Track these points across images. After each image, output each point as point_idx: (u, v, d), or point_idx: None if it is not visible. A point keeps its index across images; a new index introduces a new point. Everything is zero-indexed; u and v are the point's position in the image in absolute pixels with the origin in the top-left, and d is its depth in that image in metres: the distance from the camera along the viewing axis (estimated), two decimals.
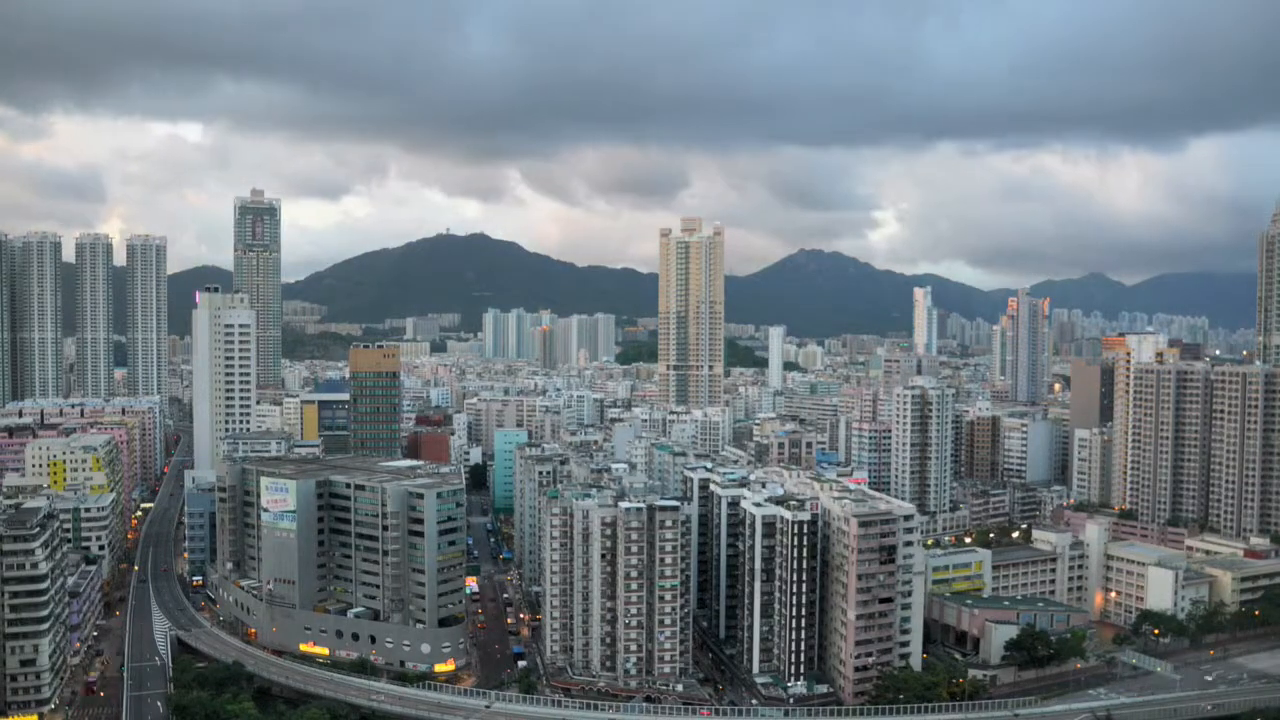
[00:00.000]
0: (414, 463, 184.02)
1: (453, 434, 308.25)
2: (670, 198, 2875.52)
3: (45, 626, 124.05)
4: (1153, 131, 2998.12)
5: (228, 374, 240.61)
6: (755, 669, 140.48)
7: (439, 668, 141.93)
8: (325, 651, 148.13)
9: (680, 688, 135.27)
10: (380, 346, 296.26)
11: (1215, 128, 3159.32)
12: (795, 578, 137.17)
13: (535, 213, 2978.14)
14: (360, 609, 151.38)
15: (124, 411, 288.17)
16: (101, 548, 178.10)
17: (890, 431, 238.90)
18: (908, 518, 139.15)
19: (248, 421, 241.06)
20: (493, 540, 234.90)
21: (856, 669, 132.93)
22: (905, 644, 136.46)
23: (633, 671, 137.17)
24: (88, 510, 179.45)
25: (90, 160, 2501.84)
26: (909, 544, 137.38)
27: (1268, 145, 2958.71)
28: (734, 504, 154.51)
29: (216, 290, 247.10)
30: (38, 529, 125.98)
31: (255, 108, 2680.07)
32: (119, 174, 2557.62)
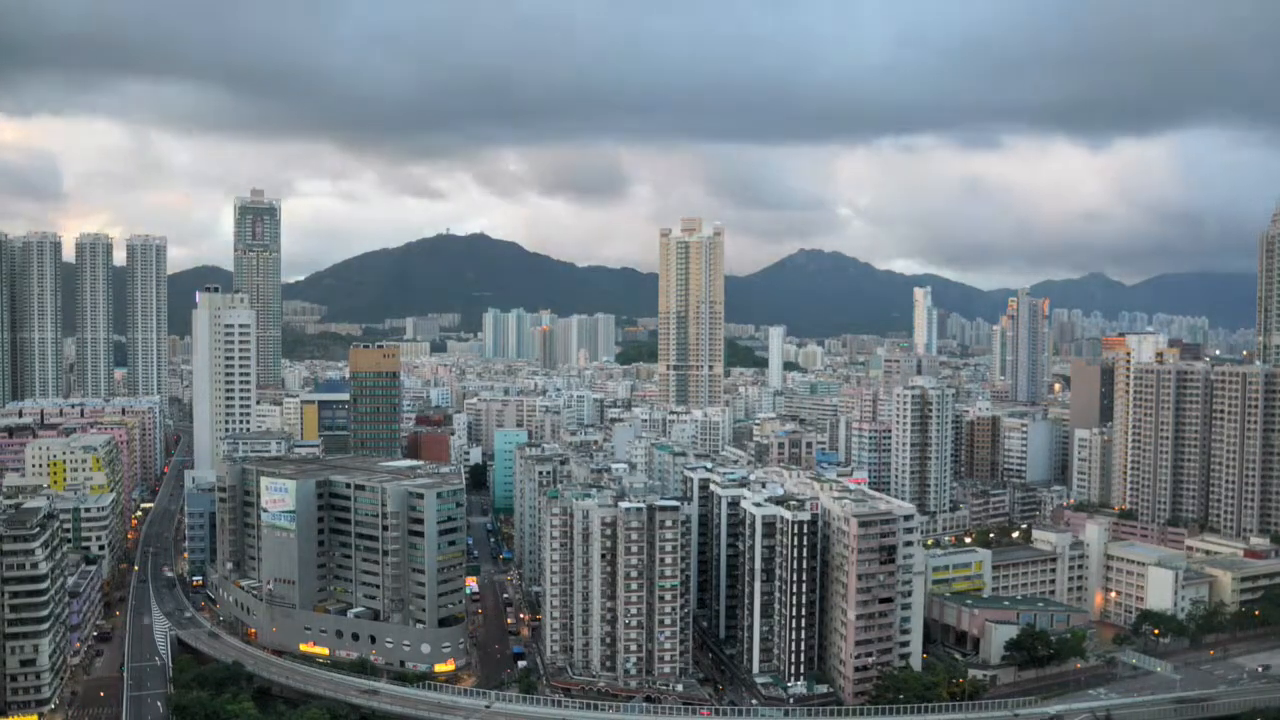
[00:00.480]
0: (414, 463, 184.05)
1: (453, 434, 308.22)
2: (611, 197, 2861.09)
3: (45, 626, 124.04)
4: (1087, 129, 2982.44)
5: (228, 374, 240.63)
6: (755, 669, 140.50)
7: (439, 668, 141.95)
8: (325, 651, 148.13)
9: (680, 688, 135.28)
10: (380, 346, 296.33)
11: (1147, 128, 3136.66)
12: (795, 578, 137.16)
13: (494, 211, 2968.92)
14: (360, 609, 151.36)
15: (124, 411, 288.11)
16: (101, 548, 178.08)
17: (890, 431, 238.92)
18: (908, 518, 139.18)
19: (248, 421, 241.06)
20: (493, 540, 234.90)
21: (856, 669, 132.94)
22: (905, 644, 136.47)
23: (633, 671, 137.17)
24: (88, 510, 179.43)
25: (34, 155, 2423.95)
26: (909, 544, 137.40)
27: (1200, 146, 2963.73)
28: (734, 504, 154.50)
29: (216, 290, 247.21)
30: (38, 529, 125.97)
31: (168, 108, 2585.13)
32: (64, 171, 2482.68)
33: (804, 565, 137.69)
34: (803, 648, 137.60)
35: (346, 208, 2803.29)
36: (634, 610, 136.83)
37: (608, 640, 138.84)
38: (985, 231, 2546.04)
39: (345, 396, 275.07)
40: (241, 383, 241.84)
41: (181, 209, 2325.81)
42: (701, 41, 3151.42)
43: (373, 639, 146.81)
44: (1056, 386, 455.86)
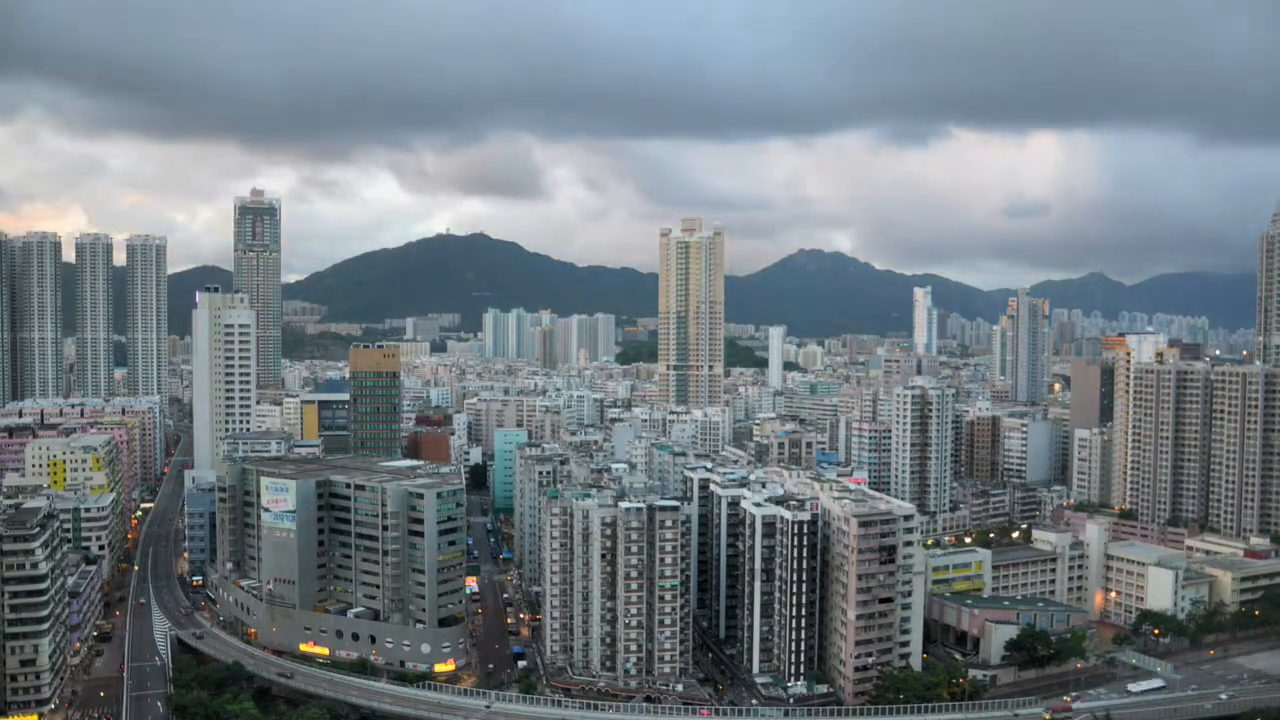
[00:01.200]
0: (414, 463, 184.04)
1: (453, 434, 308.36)
2: (531, 196, 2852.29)
3: (45, 626, 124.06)
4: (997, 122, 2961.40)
5: (228, 374, 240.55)
6: (755, 669, 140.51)
7: (439, 668, 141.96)
8: (325, 651, 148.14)
9: (680, 688, 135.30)
10: (380, 346, 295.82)
11: (1057, 123, 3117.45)
12: (795, 578, 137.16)
13: (426, 215, 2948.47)
14: (360, 609, 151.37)
15: (124, 411, 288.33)
16: (101, 548, 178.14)
17: (890, 431, 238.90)
18: (908, 518, 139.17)
19: (248, 421, 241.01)
20: (493, 540, 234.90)
21: (856, 669, 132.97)
22: (905, 644, 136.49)
23: (633, 671, 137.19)
24: (88, 510, 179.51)
25: None
26: (909, 544, 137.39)
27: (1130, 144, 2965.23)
28: (734, 504, 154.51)
29: (216, 290, 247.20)
30: (38, 529, 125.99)
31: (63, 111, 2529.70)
32: None
33: (804, 565, 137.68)
34: (803, 648, 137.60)
35: (303, 205, 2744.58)
36: (634, 610, 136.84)
37: (608, 640, 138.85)
38: (925, 228, 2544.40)
39: (345, 396, 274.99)
40: (241, 383, 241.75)
41: (117, 209, 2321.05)
42: (626, 39, 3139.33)
43: (373, 639, 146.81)
44: (1056, 386, 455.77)
